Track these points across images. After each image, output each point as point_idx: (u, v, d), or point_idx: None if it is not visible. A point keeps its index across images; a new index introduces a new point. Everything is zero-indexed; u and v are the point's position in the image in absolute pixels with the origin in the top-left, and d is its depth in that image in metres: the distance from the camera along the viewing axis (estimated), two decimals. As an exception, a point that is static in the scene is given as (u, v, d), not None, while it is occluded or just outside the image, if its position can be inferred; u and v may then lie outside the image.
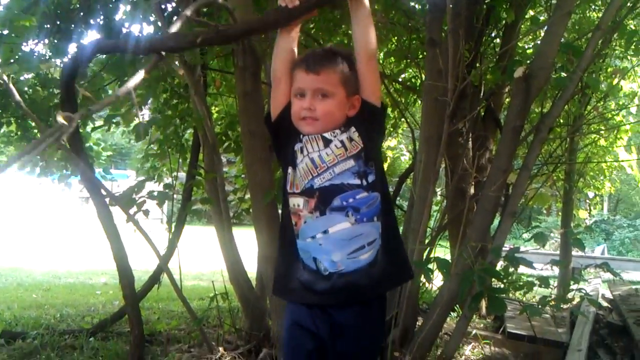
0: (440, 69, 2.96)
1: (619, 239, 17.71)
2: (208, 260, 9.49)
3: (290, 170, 1.98)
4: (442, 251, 4.22)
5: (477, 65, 3.79)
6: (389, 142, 7.82)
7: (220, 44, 3.16)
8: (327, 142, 1.93)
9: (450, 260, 3.08)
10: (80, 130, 5.78)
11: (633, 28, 4.48)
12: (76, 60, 3.02)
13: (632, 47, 3.94)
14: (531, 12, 5.29)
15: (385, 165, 6.30)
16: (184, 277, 4.15)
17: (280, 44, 2.00)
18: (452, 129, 3.09)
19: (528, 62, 3.35)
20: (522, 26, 5.08)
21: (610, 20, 3.04)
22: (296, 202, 1.95)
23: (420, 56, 4.72)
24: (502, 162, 3.05)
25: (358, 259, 1.88)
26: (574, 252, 7.01)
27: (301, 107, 1.91)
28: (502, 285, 3.18)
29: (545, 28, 3.25)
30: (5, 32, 3.90)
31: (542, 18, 5.45)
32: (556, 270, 7.10)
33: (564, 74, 3.13)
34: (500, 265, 3.19)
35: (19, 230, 13.51)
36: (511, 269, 3.09)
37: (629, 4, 3.54)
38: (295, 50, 2.02)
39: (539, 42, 5.17)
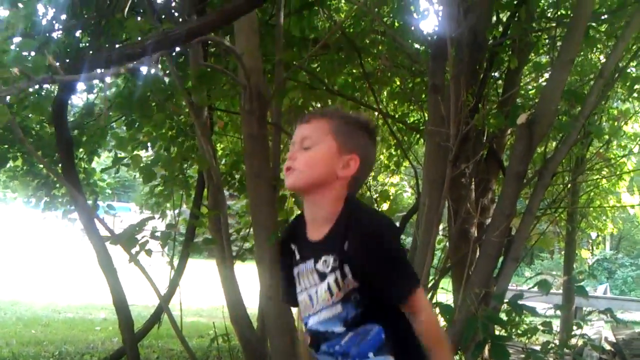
0: (442, 114, 2.99)
1: (622, 278, 17.60)
2: (208, 295, 9.46)
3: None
4: (444, 292, 4.20)
5: (480, 109, 3.83)
6: (392, 179, 7.85)
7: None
8: (322, 276, 1.65)
9: (452, 305, 3.07)
10: (86, 166, 5.88)
11: (634, 72, 4.53)
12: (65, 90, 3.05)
13: (635, 93, 3.99)
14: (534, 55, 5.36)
15: (387, 204, 6.30)
16: (184, 313, 4.14)
17: None
18: (455, 173, 3.11)
19: (531, 109, 3.38)
20: (525, 68, 5.16)
21: (612, 67, 3.09)
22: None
23: (424, 97, 4.78)
24: (505, 207, 3.06)
25: None
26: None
27: (287, 161, 1.67)
28: (505, 332, 3.15)
29: (548, 75, 3.30)
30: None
31: (544, 60, 5.55)
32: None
33: (567, 117, 3.17)
34: (503, 310, 3.18)
35: (18, 262, 13.46)
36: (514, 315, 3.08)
37: (631, 52, 3.59)
38: None
39: (541, 81, 5.24)
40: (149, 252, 3.58)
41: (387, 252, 1.59)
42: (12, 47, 4.30)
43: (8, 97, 3.18)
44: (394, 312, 1.64)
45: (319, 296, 1.64)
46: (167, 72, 4.10)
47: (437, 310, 3.06)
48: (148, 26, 3.00)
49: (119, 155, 4.94)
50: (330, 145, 1.63)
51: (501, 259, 3.36)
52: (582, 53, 5.05)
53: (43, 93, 4.73)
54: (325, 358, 1.67)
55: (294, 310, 1.72)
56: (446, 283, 4.45)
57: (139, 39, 2.84)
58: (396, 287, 1.59)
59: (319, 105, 5.74)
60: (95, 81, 4.90)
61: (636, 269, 17.96)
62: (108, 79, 1.94)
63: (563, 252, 7.12)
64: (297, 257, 1.72)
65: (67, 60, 4.70)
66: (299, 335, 1.70)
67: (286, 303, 1.80)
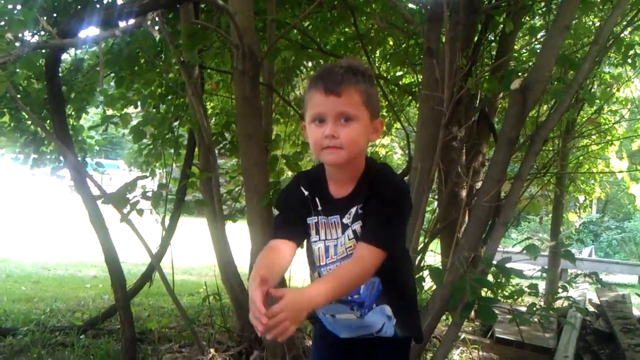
0: (436, 78, 2.97)
1: (607, 241, 17.86)
2: (198, 253, 9.50)
3: (307, 244, 1.84)
4: (433, 255, 4.25)
5: (474, 73, 3.81)
6: (383, 140, 7.85)
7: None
8: (344, 228, 1.74)
9: (441, 268, 3.11)
10: (74, 123, 5.81)
11: (629, 37, 4.51)
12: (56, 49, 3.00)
13: (629, 59, 3.98)
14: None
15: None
16: (174, 272, 4.17)
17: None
18: (448, 137, 3.11)
19: (525, 74, 3.36)
20: (520, 33, 5.12)
21: (607, 34, 3.06)
22: (316, 276, 1.84)
23: (417, 59, 4.74)
24: (496, 172, 3.07)
25: (366, 337, 1.83)
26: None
27: (322, 135, 1.65)
28: (492, 295, 3.20)
29: (543, 40, 3.27)
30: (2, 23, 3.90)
31: (539, 22, 5.50)
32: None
33: (560, 83, 3.16)
34: (491, 272, 3.23)
35: (7, 219, 13.42)
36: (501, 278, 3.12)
37: (627, 18, 3.56)
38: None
39: (535, 43, 5.21)
40: (140, 212, 3.59)
41: (392, 202, 1.68)
42: (-2, 0, 4.24)
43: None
44: (390, 266, 1.70)
45: (341, 246, 1.73)
46: (157, 28, 4.03)
47: (427, 272, 3.11)
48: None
49: (107, 114, 4.90)
50: (364, 116, 1.67)
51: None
52: (576, 16, 5.01)
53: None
54: (338, 307, 1.75)
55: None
56: (435, 245, 4.51)
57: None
58: (378, 232, 1.66)
59: (310, 64, 5.71)
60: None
61: (621, 232, 18.22)
62: (112, 32, 1.91)
63: (551, 215, 7.18)
64: (320, 208, 1.78)
65: (55, 15, 4.62)
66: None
67: (280, 238, 1.75)
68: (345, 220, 1.73)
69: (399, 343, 1.87)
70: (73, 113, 5.71)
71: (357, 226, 1.70)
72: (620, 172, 6.63)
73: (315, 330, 2.03)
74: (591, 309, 5.78)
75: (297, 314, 1.43)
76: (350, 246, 1.71)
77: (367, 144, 1.75)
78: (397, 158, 9.58)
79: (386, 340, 1.83)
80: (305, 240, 1.83)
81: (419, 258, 3.47)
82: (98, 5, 4.71)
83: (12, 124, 5.67)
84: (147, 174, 5.41)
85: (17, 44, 2.03)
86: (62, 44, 2.32)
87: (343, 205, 1.74)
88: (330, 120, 1.65)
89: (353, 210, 1.71)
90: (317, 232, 1.78)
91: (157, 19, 2.99)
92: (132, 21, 2.40)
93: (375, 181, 1.72)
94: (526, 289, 3.39)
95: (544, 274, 5.57)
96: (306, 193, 1.80)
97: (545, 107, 4.46)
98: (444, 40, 3.18)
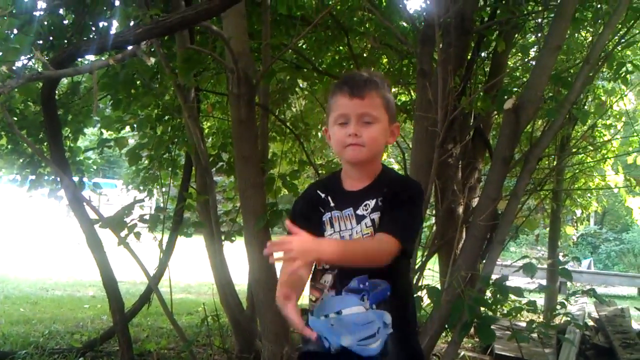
0: (430, 99, 3.00)
1: (605, 252, 17.86)
2: (196, 271, 9.50)
3: None
4: (432, 274, 4.25)
5: (468, 92, 3.84)
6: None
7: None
8: (359, 219, 1.81)
9: (439, 288, 3.12)
10: (71, 145, 5.83)
11: (620, 54, 4.55)
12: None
13: (620, 77, 4.02)
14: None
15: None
16: (172, 290, 4.17)
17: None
18: (443, 157, 3.14)
19: (519, 89, 3.40)
20: (513, 50, 5.16)
21: (599, 53, 3.10)
22: (326, 278, 1.82)
23: (412, 80, 4.78)
24: (491, 190, 3.09)
25: (369, 347, 1.72)
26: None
27: (346, 134, 1.80)
28: (491, 313, 3.21)
29: (535, 59, 3.31)
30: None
31: (531, 39, 5.55)
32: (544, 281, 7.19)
33: (553, 102, 3.19)
34: (489, 292, 3.24)
35: (4, 239, 13.40)
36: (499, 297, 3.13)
37: (618, 37, 3.61)
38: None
39: (528, 60, 5.25)
40: (137, 235, 3.60)
41: (412, 202, 1.82)
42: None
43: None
44: (398, 273, 1.81)
45: (357, 234, 1.79)
46: (153, 50, 4.07)
47: (425, 292, 3.12)
48: (136, 12, 2.97)
49: (104, 137, 4.92)
50: (384, 119, 1.82)
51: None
52: (568, 32, 5.06)
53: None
54: (348, 296, 1.75)
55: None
56: (432, 263, 4.51)
57: (130, 25, 2.82)
58: (398, 225, 1.76)
59: (305, 84, 5.75)
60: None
61: (619, 244, 18.22)
62: (105, 62, 1.97)
63: (548, 228, 7.20)
64: (332, 204, 1.87)
65: (51, 38, 4.66)
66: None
67: None
68: (359, 212, 1.81)
69: None
70: (70, 135, 5.73)
71: (375, 216, 1.79)
72: (617, 186, 6.65)
73: None
74: (590, 323, 5.77)
75: (305, 248, 1.59)
76: (368, 233, 1.78)
77: (384, 145, 1.89)
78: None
79: None
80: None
81: (417, 277, 3.47)
82: (93, 29, 4.77)
83: (9, 147, 5.69)
84: (145, 195, 5.44)
85: (12, 75, 2.05)
86: (57, 75, 2.34)
87: (357, 198, 1.84)
88: (353, 121, 1.80)
89: (371, 202, 1.81)
90: (332, 226, 1.85)
91: (152, 48, 3.04)
92: (128, 48, 2.42)
93: (396, 179, 1.89)
94: (524, 306, 3.40)
95: (542, 289, 5.58)
96: (322, 195, 1.90)
97: (540, 122, 4.49)
98: (436, 61, 3.22)
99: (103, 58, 3.61)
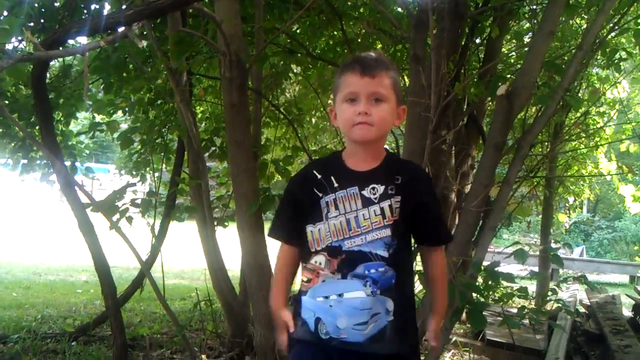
0: (423, 84, 2.99)
1: (598, 240, 17.96)
2: (189, 257, 9.50)
3: (312, 227, 1.86)
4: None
5: (461, 78, 3.83)
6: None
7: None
8: (365, 202, 1.81)
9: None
10: (63, 129, 5.80)
11: (613, 42, 4.54)
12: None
13: (613, 64, 4.01)
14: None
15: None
16: (165, 276, 4.16)
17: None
18: (436, 143, 3.13)
19: (512, 76, 3.39)
20: (507, 36, 5.14)
21: (592, 40, 3.09)
22: (318, 259, 1.84)
23: (406, 65, 4.75)
24: (483, 177, 3.09)
25: (361, 332, 1.78)
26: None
27: (355, 112, 1.80)
28: (482, 299, 3.22)
29: (528, 46, 3.29)
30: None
31: (526, 25, 5.53)
32: (535, 269, 7.24)
33: (546, 88, 3.18)
34: (481, 274, 3.24)
35: (-2, 224, 13.38)
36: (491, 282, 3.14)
37: (612, 23, 3.59)
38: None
39: (522, 46, 5.23)
40: (130, 220, 3.59)
41: (434, 194, 1.95)
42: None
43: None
44: (405, 263, 1.87)
45: (364, 219, 1.80)
46: (145, 34, 4.03)
47: (416, 277, 3.12)
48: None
49: (95, 121, 4.89)
50: (392, 100, 1.83)
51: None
52: (562, 19, 5.05)
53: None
54: (352, 281, 1.78)
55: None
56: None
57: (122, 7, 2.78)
58: (442, 228, 1.94)
59: (298, 69, 5.72)
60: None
61: (612, 232, 18.32)
62: (96, 44, 1.96)
63: (540, 216, 7.22)
64: (336, 185, 1.85)
65: (42, 21, 4.61)
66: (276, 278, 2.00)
67: (286, 240, 1.96)
68: (366, 194, 1.81)
69: None
70: (62, 118, 5.70)
71: (385, 204, 1.79)
72: (609, 173, 6.67)
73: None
74: (582, 309, 5.82)
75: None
76: (377, 221, 1.78)
77: (391, 126, 1.92)
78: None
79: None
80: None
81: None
82: (85, 11, 4.72)
83: (0, 130, 5.65)
84: (137, 179, 5.42)
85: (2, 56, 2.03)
86: (48, 56, 2.32)
87: (364, 178, 1.84)
88: (363, 99, 1.79)
89: (380, 187, 1.81)
90: (337, 207, 1.83)
91: (144, 31, 3.01)
92: (119, 30, 2.40)
93: (406, 167, 1.95)
94: (516, 292, 3.41)
95: (534, 275, 5.60)
96: (319, 176, 1.88)
97: (533, 109, 4.48)
98: (430, 46, 3.20)
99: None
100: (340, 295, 1.80)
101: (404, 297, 1.84)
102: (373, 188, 1.81)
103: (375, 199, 1.80)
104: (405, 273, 1.86)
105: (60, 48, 2.55)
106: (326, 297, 1.82)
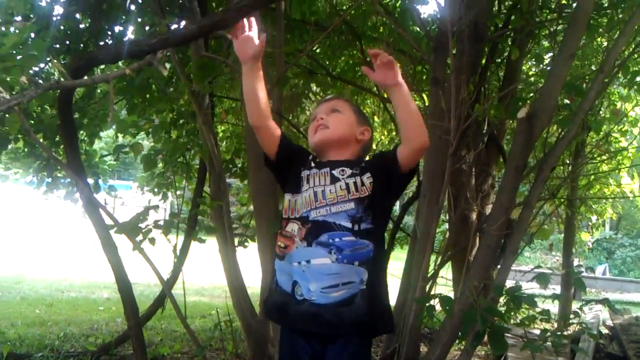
0: (443, 108, 3.00)
1: (621, 258, 17.68)
2: (209, 273, 9.53)
3: (290, 197, 2.11)
4: (444, 281, 4.23)
5: (482, 100, 3.83)
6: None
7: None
8: (334, 180, 2.04)
9: (452, 297, 3.11)
10: (87, 148, 5.88)
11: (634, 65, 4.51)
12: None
13: (635, 86, 3.99)
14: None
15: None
16: (186, 293, 4.18)
17: (245, 84, 2.07)
18: (456, 166, 3.13)
19: (533, 94, 3.38)
20: (527, 56, 5.14)
21: (613, 62, 3.08)
22: (292, 227, 2.05)
23: (426, 87, 4.78)
24: (504, 199, 3.08)
25: (329, 295, 1.95)
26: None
27: (314, 124, 2.15)
28: (504, 323, 3.19)
29: (549, 69, 3.29)
30: (18, 57, 3.97)
31: (546, 44, 5.52)
32: (557, 288, 7.16)
33: (567, 111, 3.17)
34: (502, 301, 3.22)
35: (21, 241, 13.54)
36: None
37: (632, 46, 3.58)
38: (264, 98, 2.08)
39: (543, 67, 5.23)
40: (152, 241, 3.62)
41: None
42: (12, 29, 4.31)
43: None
44: (383, 237, 2.13)
45: (330, 193, 2.02)
46: (168, 55, 4.09)
47: (437, 301, 3.11)
48: (151, 21, 3.00)
49: (119, 143, 4.96)
50: (351, 115, 2.16)
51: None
52: (583, 39, 5.04)
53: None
54: (317, 248, 1.98)
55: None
56: (445, 270, 4.49)
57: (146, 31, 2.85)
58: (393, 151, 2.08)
59: (318, 89, 5.76)
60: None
61: (635, 249, 18.03)
62: (122, 72, 2.04)
63: (562, 234, 7.16)
64: (313, 165, 2.13)
65: (67, 42, 4.70)
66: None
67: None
68: (335, 173, 2.05)
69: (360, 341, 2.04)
70: (86, 138, 5.79)
71: (350, 181, 2.03)
72: (632, 191, 6.59)
73: (282, 351, 2.18)
74: (605, 331, 5.73)
75: (395, 67, 1.96)
76: (342, 195, 2.01)
77: (352, 137, 2.14)
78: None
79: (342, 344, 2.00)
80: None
81: (429, 285, 3.46)
82: (109, 33, 4.81)
83: (26, 150, 5.75)
84: (159, 198, 5.48)
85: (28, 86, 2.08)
86: (74, 85, 2.37)
87: (336, 163, 2.10)
88: (322, 113, 2.16)
89: (348, 170, 2.06)
90: (308, 182, 2.08)
91: (167, 54, 3.06)
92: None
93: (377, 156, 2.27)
94: (538, 315, 3.38)
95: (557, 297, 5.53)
96: (310, 157, 2.18)
97: (554, 127, 4.47)
98: (450, 69, 3.21)
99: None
100: (308, 261, 1.99)
101: (378, 269, 2.04)
102: (342, 169, 2.06)
103: (343, 177, 2.04)
104: (381, 246, 2.11)
105: (86, 74, 2.61)
106: (299, 263, 2.00)
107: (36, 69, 4.82)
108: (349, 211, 1.99)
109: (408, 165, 2.03)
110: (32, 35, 4.05)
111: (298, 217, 2.04)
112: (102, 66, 4.60)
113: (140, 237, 3.55)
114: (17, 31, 4.12)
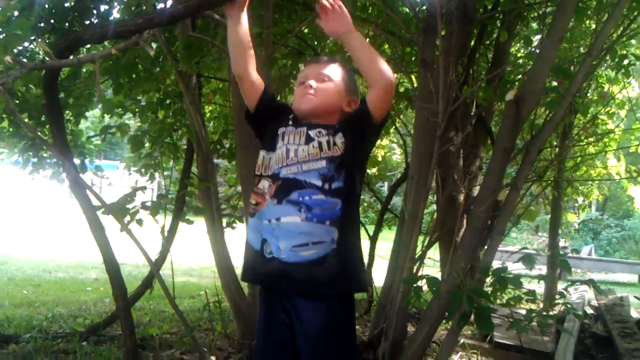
0: (431, 89, 3.00)
1: (607, 239, 17.86)
2: (197, 254, 9.52)
3: (265, 153, 2.11)
4: (432, 263, 4.26)
5: (470, 82, 3.83)
6: (381, 142, 7.85)
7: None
8: (309, 140, 2.03)
9: (439, 278, 3.13)
10: (73, 128, 5.83)
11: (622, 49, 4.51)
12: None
13: (623, 69, 4.00)
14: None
15: (376, 169, 6.35)
16: (174, 274, 4.18)
17: (230, 34, 2.09)
18: (444, 148, 3.13)
19: (520, 79, 3.39)
20: (515, 41, 5.13)
21: (601, 46, 3.08)
22: (263, 184, 2.06)
23: (415, 68, 4.75)
24: (491, 181, 3.09)
25: (299, 254, 1.96)
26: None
27: (302, 90, 2.09)
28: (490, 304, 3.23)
29: (538, 52, 3.29)
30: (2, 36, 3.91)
31: (534, 26, 5.51)
32: (543, 269, 7.23)
33: (555, 94, 3.17)
34: (488, 281, 3.25)
35: (6, 220, 13.46)
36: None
37: (619, 30, 3.59)
38: (250, 49, 2.12)
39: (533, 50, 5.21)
40: (140, 222, 3.62)
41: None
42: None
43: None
44: (355, 196, 2.12)
45: (303, 152, 2.01)
46: (154, 35, 4.04)
47: (425, 282, 3.13)
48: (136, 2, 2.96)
49: (105, 124, 4.92)
50: (340, 85, 2.11)
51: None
52: (572, 22, 5.03)
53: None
54: (287, 206, 1.98)
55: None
56: (433, 251, 4.52)
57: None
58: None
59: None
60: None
61: (621, 230, 18.21)
62: (107, 51, 2.03)
63: (549, 215, 7.21)
64: (290, 122, 2.13)
65: (52, 21, 4.63)
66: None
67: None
68: (311, 133, 2.04)
69: (332, 306, 2.05)
70: (72, 118, 5.73)
71: (323, 140, 2.02)
72: (618, 173, 6.63)
73: (260, 302, 2.19)
74: (590, 311, 5.81)
75: (346, 15, 1.99)
76: (314, 153, 2.01)
77: (338, 107, 2.11)
78: (396, 159, 9.60)
79: (316, 303, 2.02)
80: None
81: (417, 266, 3.48)
82: (95, 11, 4.75)
83: (11, 130, 5.69)
84: (146, 178, 5.45)
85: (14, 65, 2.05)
86: (60, 65, 2.35)
87: (316, 125, 2.08)
88: (310, 78, 2.09)
89: (324, 130, 2.04)
90: (283, 139, 2.07)
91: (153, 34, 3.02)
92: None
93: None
94: (524, 295, 3.41)
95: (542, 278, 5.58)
96: (290, 116, 2.16)
97: (542, 109, 4.48)
98: (438, 51, 3.20)
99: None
100: (277, 219, 1.99)
101: (349, 228, 2.04)
102: (319, 131, 2.04)
103: (317, 137, 2.03)
104: (353, 206, 2.10)
105: (71, 54, 2.58)
106: (269, 221, 2.00)
107: (20, 48, 4.74)
108: (320, 170, 1.99)
109: (379, 112, 2.04)
110: (16, 13, 4.00)
111: (270, 174, 2.05)
112: (88, 45, 4.54)
113: (127, 219, 3.55)
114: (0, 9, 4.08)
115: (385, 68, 1.99)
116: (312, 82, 2.07)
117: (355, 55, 2.01)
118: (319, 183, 1.97)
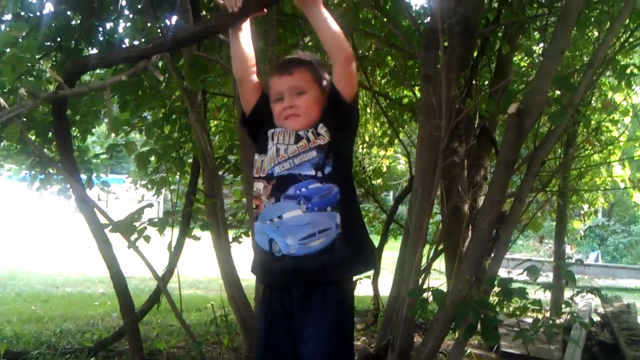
0: (434, 104, 3.02)
1: (613, 245, 17.80)
2: (203, 266, 9.55)
3: (257, 157, 2.16)
4: (437, 275, 4.28)
5: (473, 95, 3.85)
6: (385, 152, 7.87)
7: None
8: (298, 139, 2.08)
9: (444, 290, 3.15)
10: (79, 145, 5.88)
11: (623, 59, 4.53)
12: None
13: (625, 78, 4.02)
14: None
15: (381, 179, 6.37)
16: (181, 286, 4.20)
17: (232, 48, 2.16)
18: (448, 161, 3.15)
19: (522, 90, 3.41)
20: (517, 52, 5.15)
21: (602, 57, 3.10)
22: (258, 186, 2.10)
23: (417, 81, 4.79)
24: (495, 193, 3.11)
25: (308, 246, 1.99)
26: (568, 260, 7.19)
27: (282, 108, 2.09)
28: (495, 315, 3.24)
29: (539, 64, 3.32)
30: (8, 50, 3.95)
31: (536, 35, 5.54)
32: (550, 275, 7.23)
33: (557, 105, 3.19)
34: (494, 293, 3.26)
35: (13, 235, 13.51)
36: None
37: (619, 42, 3.61)
38: (251, 53, 2.18)
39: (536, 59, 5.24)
40: (147, 239, 3.64)
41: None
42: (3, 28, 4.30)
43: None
44: (348, 180, 2.18)
45: (292, 148, 2.05)
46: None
47: (430, 294, 3.15)
48: (143, 25, 3.01)
49: (112, 140, 4.96)
50: (315, 89, 2.12)
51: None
52: (574, 31, 5.05)
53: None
54: (285, 202, 2.03)
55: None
56: (438, 262, 4.53)
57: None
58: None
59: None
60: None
61: (627, 236, 18.16)
62: (118, 77, 2.08)
63: (555, 223, 7.21)
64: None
65: (59, 40, 4.68)
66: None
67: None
68: (300, 133, 2.08)
69: (335, 290, 2.08)
70: (78, 134, 5.78)
71: (310, 133, 2.07)
72: (623, 181, 6.63)
73: (262, 305, 2.24)
74: (597, 318, 5.79)
75: None
76: (302, 145, 2.05)
77: (320, 107, 2.13)
78: (401, 168, 9.61)
79: (321, 291, 2.05)
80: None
81: (422, 277, 3.50)
82: (100, 29, 4.80)
83: (18, 147, 5.74)
84: (153, 193, 5.49)
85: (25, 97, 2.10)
86: (72, 94, 2.39)
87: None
88: (286, 95, 2.09)
89: (311, 127, 2.09)
90: (272, 139, 2.12)
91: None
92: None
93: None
94: (530, 305, 3.42)
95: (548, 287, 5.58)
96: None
97: (545, 118, 4.50)
98: (441, 64, 3.23)
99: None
100: (280, 217, 2.03)
101: (350, 210, 2.08)
102: (307, 129, 2.08)
103: (305, 134, 2.07)
104: (349, 189, 2.16)
105: (79, 78, 2.62)
106: (271, 220, 2.05)
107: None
108: (312, 159, 2.04)
109: (348, 89, 2.07)
110: (23, 34, 4.04)
111: (264, 175, 2.09)
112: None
113: (135, 236, 3.58)
114: (8, 30, 4.13)
115: (344, 41, 2.04)
116: (290, 100, 2.09)
117: (319, 29, 2.05)
118: (312, 172, 2.03)
